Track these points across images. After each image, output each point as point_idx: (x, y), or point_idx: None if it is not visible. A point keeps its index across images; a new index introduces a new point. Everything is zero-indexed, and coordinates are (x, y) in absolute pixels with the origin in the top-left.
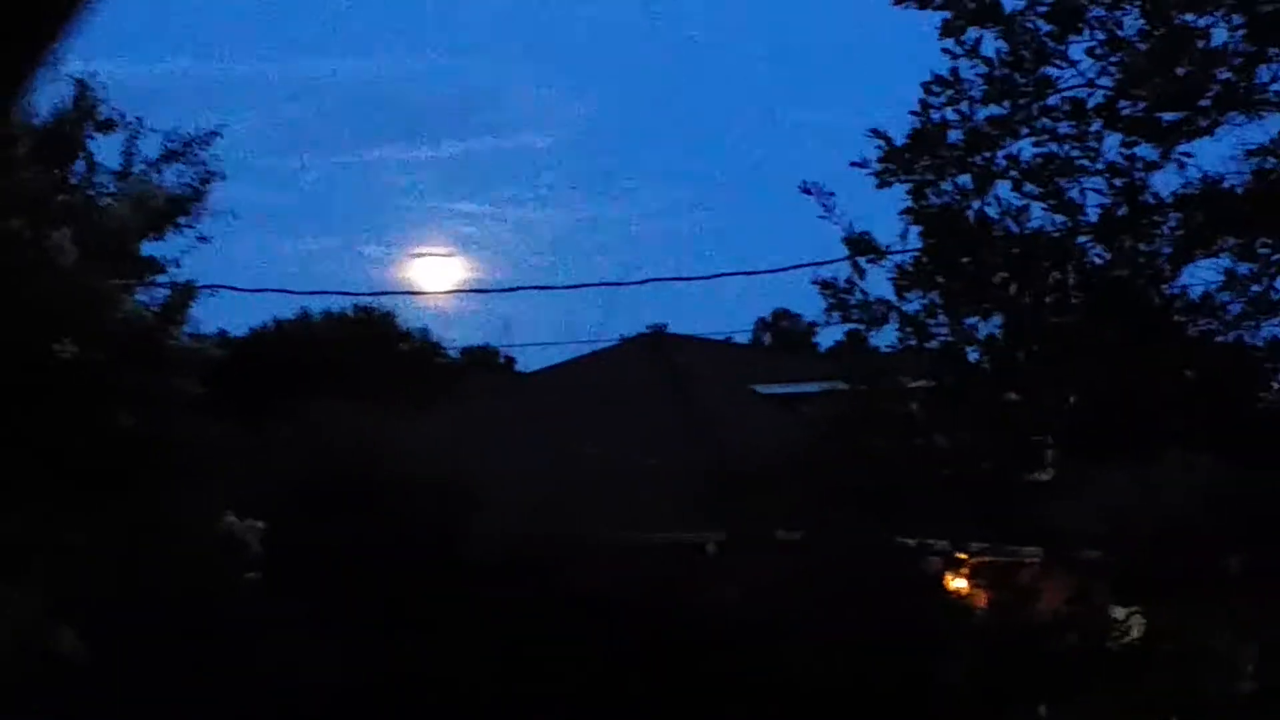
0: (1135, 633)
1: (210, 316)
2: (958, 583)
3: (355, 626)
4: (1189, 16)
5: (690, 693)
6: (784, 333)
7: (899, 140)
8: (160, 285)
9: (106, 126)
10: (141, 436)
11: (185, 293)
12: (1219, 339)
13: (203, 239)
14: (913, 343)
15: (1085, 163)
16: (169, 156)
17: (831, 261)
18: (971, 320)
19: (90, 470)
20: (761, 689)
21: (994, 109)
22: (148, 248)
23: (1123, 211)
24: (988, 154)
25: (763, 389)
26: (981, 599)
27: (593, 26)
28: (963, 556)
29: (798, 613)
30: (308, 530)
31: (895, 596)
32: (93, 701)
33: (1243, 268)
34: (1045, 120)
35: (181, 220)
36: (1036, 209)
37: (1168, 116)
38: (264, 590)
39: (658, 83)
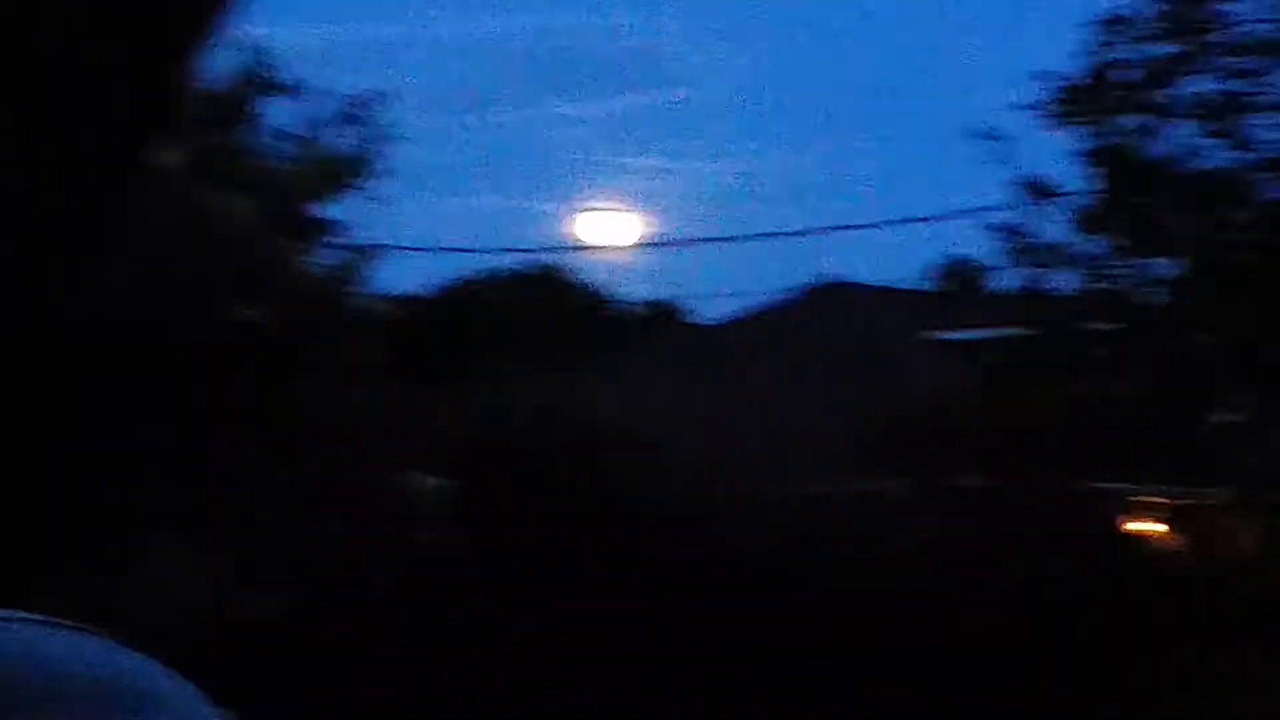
0: None
1: (386, 278)
2: (1145, 527)
3: (535, 583)
4: None
5: (877, 643)
6: (961, 278)
7: (1072, 82)
8: (336, 248)
9: (280, 90)
10: (322, 399)
11: (361, 255)
12: None
13: (377, 200)
14: (1091, 285)
15: (1262, 99)
16: (342, 119)
17: (1007, 206)
18: (1150, 261)
19: (272, 433)
20: (948, 637)
21: (1168, 47)
22: (322, 211)
23: None
24: (1163, 92)
25: (941, 335)
26: (1170, 543)
27: None
28: (1150, 501)
29: (983, 559)
30: (488, 488)
31: (1081, 542)
32: (282, 662)
33: None
34: (1221, 57)
35: (355, 182)
36: (1214, 147)
37: None
38: (447, 549)
39: (824, 31)
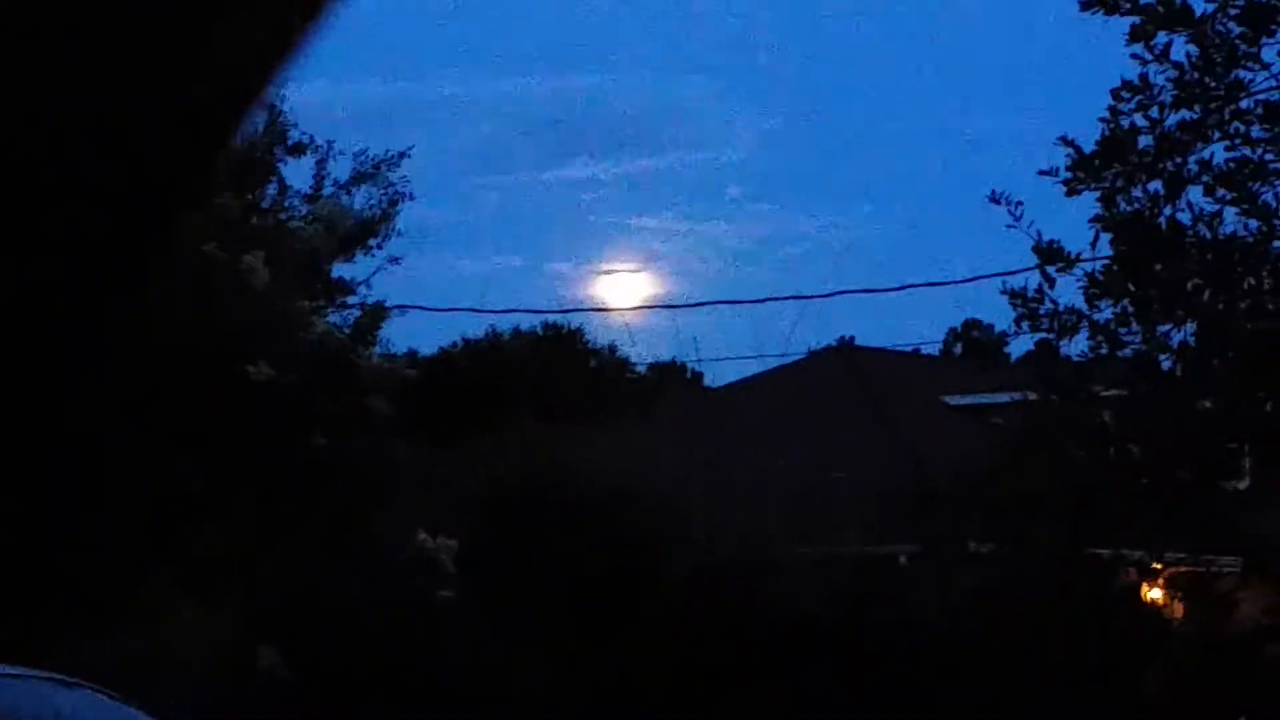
0: None
1: (400, 336)
2: (1154, 593)
3: (547, 643)
4: None
5: (884, 706)
6: (974, 343)
7: (1088, 148)
8: (351, 306)
9: (297, 150)
10: (335, 457)
11: (376, 313)
12: None
13: (392, 260)
14: (1104, 351)
15: (1277, 165)
16: (358, 179)
17: (1020, 271)
18: (1164, 328)
19: (285, 491)
20: (956, 701)
21: (1185, 114)
22: (338, 269)
23: None
24: (1179, 159)
25: (953, 400)
26: (1178, 610)
27: (774, 41)
28: (1158, 566)
29: (992, 624)
30: (500, 548)
31: (1090, 608)
32: (292, 718)
33: None
34: (1237, 124)
35: (371, 241)
36: (1230, 214)
37: None
38: (458, 608)
39: (841, 96)
